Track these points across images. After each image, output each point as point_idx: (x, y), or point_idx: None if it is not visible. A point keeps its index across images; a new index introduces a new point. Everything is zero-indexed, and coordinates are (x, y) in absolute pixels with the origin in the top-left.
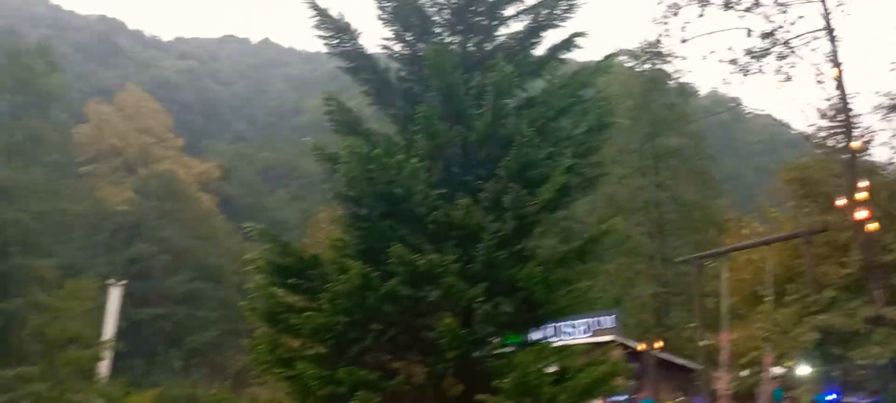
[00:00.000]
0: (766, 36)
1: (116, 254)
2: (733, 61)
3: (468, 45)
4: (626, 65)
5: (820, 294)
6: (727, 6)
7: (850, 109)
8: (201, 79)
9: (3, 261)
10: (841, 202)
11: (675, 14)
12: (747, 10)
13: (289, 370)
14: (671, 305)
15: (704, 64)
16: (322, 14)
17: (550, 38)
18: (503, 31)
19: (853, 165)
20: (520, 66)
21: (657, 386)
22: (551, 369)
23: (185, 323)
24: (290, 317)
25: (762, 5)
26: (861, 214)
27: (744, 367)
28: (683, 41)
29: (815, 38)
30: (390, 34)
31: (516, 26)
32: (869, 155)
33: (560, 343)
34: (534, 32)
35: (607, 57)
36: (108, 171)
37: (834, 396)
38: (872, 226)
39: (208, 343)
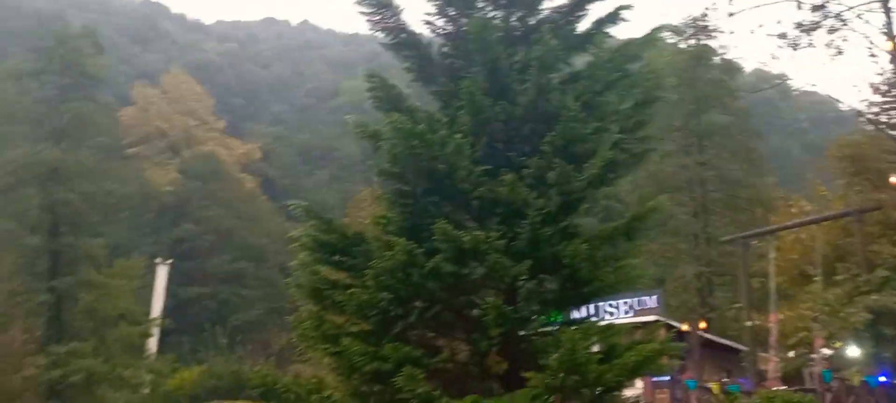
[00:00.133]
0: (816, 8)
1: (162, 234)
2: (782, 35)
3: (512, 19)
4: (669, 41)
5: (871, 273)
6: None
7: None
8: (241, 62)
9: (54, 241)
10: (894, 179)
11: None
12: None
13: (334, 346)
14: (715, 285)
15: (749, 40)
16: None
17: (595, 11)
18: (547, 5)
19: None
20: (564, 39)
21: (701, 367)
22: (593, 349)
23: (229, 302)
24: (334, 294)
25: None
26: None
27: (791, 348)
28: (731, 14)
29: (869, 10)
30: (433, 9)
31: (560, 0)
32: None
33: (603, 323)
34: (578, 5)
35: (654, 30)
36: (153, 153)
37: (885, 378)
38: None
39: (251, 321)
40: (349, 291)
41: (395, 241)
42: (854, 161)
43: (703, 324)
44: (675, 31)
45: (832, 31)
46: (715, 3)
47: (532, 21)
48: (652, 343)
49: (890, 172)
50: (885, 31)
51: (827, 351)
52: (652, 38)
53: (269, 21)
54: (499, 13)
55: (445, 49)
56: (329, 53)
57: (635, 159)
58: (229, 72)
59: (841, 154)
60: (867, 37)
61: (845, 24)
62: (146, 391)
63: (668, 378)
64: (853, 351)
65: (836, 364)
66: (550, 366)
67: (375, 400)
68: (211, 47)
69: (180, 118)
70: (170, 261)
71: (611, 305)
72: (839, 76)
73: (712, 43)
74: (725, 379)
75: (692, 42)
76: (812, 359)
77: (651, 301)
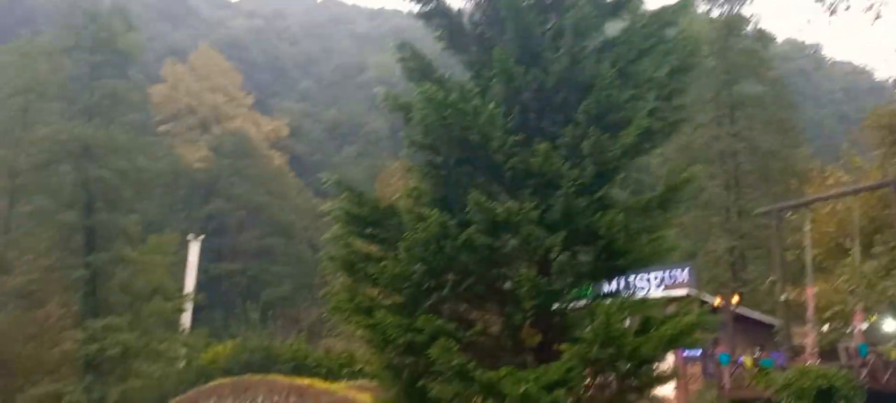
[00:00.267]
0: None
1: (194, 211)
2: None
3: None
4: (700, 9)
5: None
6: None
7: None
8: (269, 38)
9: (89, 217)
10: None
11: None
12: None
13: (367, 318)
14: (747, 259)
15: (781, 9)
16: None
17: None
18: None
19: None
20: (598, 6)
21: (734, 341)
22: (625, 323)
23: (260, 278)
24: (367, 267)
25: None
26: None
27: (826, 322)
28: None
29: None
30: None
31: None
32: None
33: (637, 297)
34: None
35: None
36: (183, 130)
37: None
38: None
39: (282, 296)
40: (382, 264)
41: (429, 213)
42: (891, 131)
43: (736, 298)
44: None
45: None
46: None
47: None
48: (689, 316)
49: None
50: None
51: (862, 325)
52: (686, 3)
53: None
54: None
55: (476, 17)
56: (355, 28)
57: (671, 128)
58: (256, 48)
59: (877, 124)
60: None
61: None
62: (181, 364)
63: (699, 352)
64: (890, 325)
65: (872, 338)
66: (586, 338)
67: (409, 372)
68: (238, 24)
69: (209, 95)
70: (201, 238)
71: (642, 279)
72: (875, 45)
73: (744, 11)
74: (758, 354)
75: (724, 9)
76: (848, 333)
77: (682, 275)
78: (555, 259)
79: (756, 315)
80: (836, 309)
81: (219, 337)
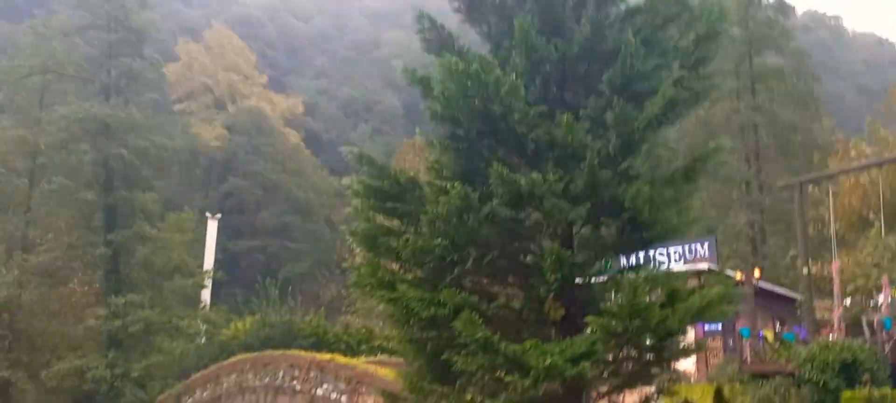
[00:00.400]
0: None
1: (211, 189)
2: None
3: None
4: None
5: None
6: None
7: None
8: (282, 15)
9: (109, 195)
10: None
11: None
12: None
13: (390, 293)
14: (767, 233)
15: None
16: None
17: None
18: None
19: None
20: None
21: (755, 316)
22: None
23: (278, 255)
24: (388, 241)
25: None
26: None
27: (849, 296)
28: None
29: None
30: None
31: None
32: None
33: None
34: None
35: None
36: (199, 109)
37: None
38: None
39: (300, 273)
40: (404, 238)
41: (451, 186)
42: None
43: (757, 273)
44: None
45: None
46: None
47: None
48: (716, 289)
49: None
50: None
51: (887, 299)
52: None
53: None
54: None
55: None
56: (368, 5)
57: (696, 98)
58: (271, 26)
59: None
60: None
61: None
62: (202, 340)
63: (719, 327)
64: None
65: None
66: (612, 311)
67: (432, 347)
68: (252, 1)
69: (224, 73)
70: (219, 216)
71: (661, 253)
72: None
73: None
74: (779, 328)
75: None
76: (872, 307)
77: (703, 249)
78: (578, 232)
79: (776, 289)
80: (859, 282)
81: (239, 314)
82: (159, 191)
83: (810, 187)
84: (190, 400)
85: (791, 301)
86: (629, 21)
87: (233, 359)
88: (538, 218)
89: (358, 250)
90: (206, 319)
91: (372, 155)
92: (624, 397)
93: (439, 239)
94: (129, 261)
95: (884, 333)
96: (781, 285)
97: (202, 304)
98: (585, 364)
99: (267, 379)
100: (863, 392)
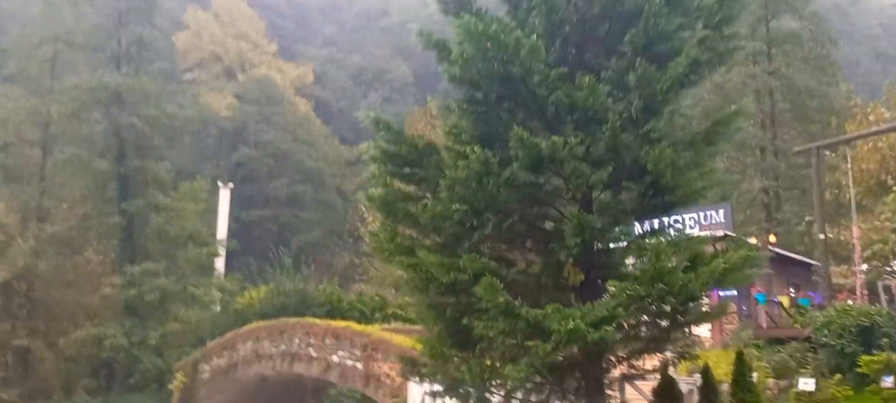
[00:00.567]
0: None
1: (223, 159)
2: None
3: None
4: None
5: None
6: None
7: None
8: None
9: (122, 164)
10: None
11: None
12: None
13: (409, 258)
14: (782, 199)
15: None
16: None
17: None
18: None
19: None
20: None
21: (770, 281)
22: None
23: (290, 224)
24: (406, 206)
25: None
26: None
27: (866, 261)
28: None
29: None
30: None
31: None
32: None
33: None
34: None
35: None
36: (209, 78)
37: None
38: None
39: (313, 242)
40: (422, 203)
41: (471, 150)
42: None
43: (773, 238)
44: None
45: None
46: None
47: None
48: (738, 252)
49: None
50: None
51: None
52: None
53: None
54: None
55: None
56: None
57: (719, 58)
58: None
59: None
60: None
61: None
62: (217, 308)
63: (734, 292)
64: None
65: None
66: (634, 275)
67: (452, 312)
68: None
69: (233, 42)
70: (231, 185)
71: (677, 219)
72: None
73: None
74: (794, 294)
75: None
76: (890, 272)
77: (719, 215)
78: (598, 196)
79: (792, 255)
80: (876, 247)
81: (253, 283)
82: (171, 161)
83: (829, 151)
84: (207, 367)
85: (806, 266)
86: None
87: (248, 327)
88: (558, 182)
89: (371, 217)
90: (221, 288)
91: (388, 120)
92: (643, 361)
93: (458, 205)
94: (144, 230)
95: None
96: (796, 251)
97: (216, 273)
98: (607, 329)
99: (283, 346)
100: (881, 356)
